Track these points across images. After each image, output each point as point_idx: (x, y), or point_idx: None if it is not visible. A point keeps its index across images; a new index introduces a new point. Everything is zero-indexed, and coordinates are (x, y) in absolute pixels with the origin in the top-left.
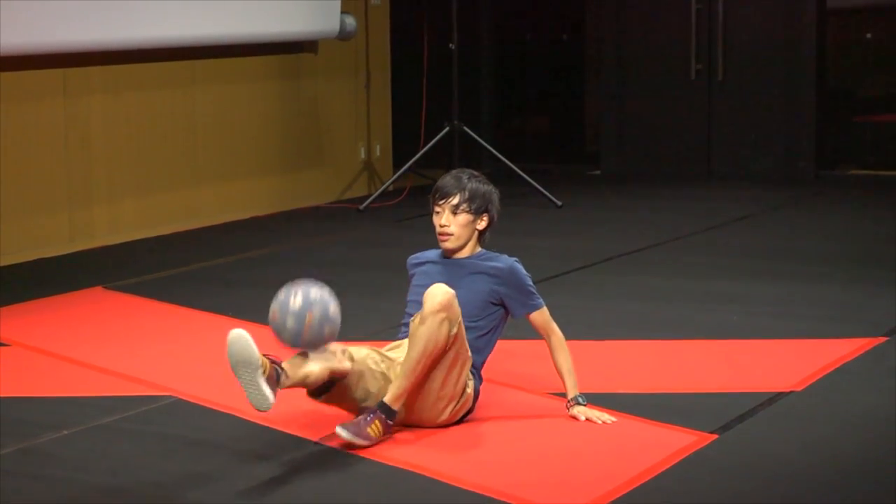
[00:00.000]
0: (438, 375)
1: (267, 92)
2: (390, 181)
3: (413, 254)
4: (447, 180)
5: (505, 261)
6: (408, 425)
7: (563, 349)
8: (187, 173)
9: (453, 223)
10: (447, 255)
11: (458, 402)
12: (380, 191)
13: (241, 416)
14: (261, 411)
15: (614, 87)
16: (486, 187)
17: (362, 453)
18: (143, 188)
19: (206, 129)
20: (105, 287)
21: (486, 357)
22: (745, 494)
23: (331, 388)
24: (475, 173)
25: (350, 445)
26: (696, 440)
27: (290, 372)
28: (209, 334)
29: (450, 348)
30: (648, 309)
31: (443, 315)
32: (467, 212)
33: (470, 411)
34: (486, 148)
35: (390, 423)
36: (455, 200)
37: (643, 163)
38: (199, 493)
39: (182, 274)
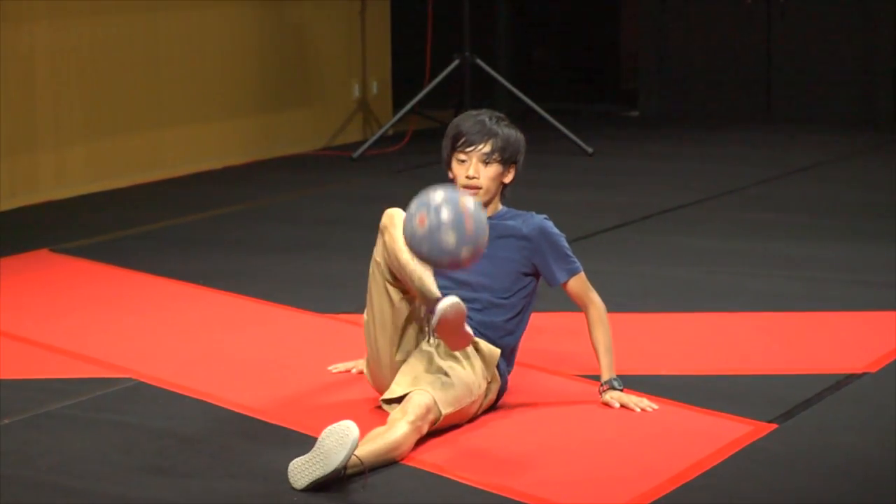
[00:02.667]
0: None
1: (243, 17)
2: (389, 124)
3: None
4: (471, 125)
5: (533, 220)
6: None
7: (602, 323)
8: (148, 115)
9: (483, 175)
10: None
11: (472, 416)
12: (377, 136)
13: (213, 402)
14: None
15: (655, 12)
16: (518, 134)
17: None
18: (96, 133)
19: (170, 61)
20: (51, 250)
21: (517, 340)
22: (808, 493)
23: None
24: (500, 115)
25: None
26: (752, 430)
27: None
28: (175, 306)
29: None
30: (695, 275)
31: (417, 434)
32: (498, 162)
33: (493, 406)
34: (502, 84)
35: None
36: (486, 148)
37: (689, 103)
38: (164, 492)
39: (142, 234)
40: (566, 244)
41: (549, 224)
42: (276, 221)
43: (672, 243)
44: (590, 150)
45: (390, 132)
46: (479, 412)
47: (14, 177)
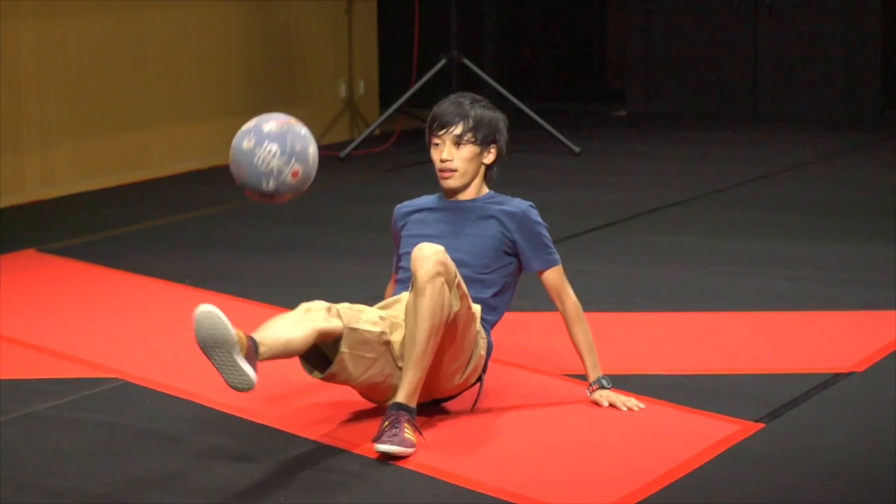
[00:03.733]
0: (447, 346)
1: (230, 17)
2: (376, 124)
3: (401, 203)
4: (446, 107)
5: (518, 204)
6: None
7: (580, 319)
8: (135, 115)
9: (456, 157)
10: (449, 196)
11: (468, 365)
12: (364, 135)
13: (200, 401)
14: (242, 392)
15: (642, 12)
16: (493, 113)
17: (348, 447)
18: (82, 132)
19: (157, 61)
20: (38, 249)
21: (496, 320)
22: (795, 492)
23: (329, 361)
24: (478, 97)
25: (393, 458)
26: (739, 429)
27: (266, 342)
28: (162, 305)
29: (455, 313)
30: (682, 275)
31: (441, 280)
32: (472, 143)
33: (480, 380)
34: (490, 84)
35: (413, 420)
36: (457, 130)
37: (676, 102)
38: (151, 493)
39: (129, 234)
40: (547, 234)
41: (534, 212)
42: (262, 221)
43: (659, 243)
44: (577, 149)
45: (377, 132)
46: (474, 378)
47: (0, 177)
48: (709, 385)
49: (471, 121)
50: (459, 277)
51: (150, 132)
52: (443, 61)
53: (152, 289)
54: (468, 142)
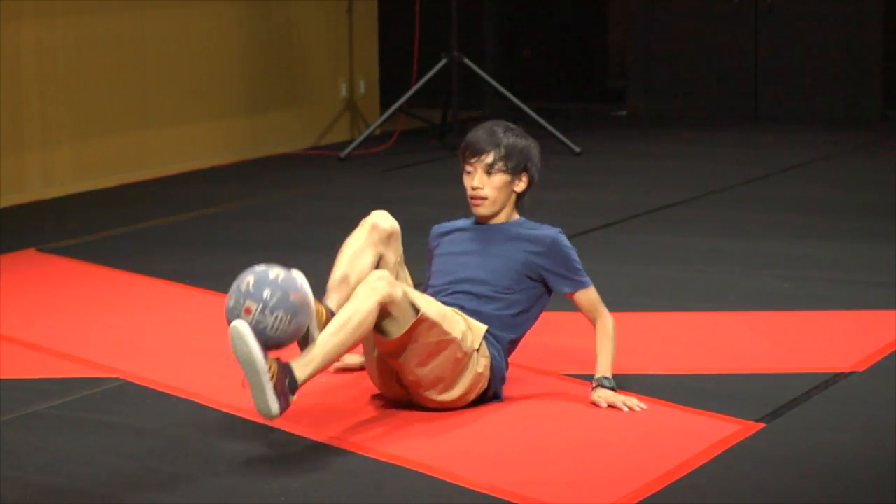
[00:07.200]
0: (423, 363)
1: (230, 17)
2: (377, 124)
3: (438, 224)
4: (479, 134)
5: (547, 230)
6: (421, 407)
7: (608, 336)
8: (135, 114)
9: (487, 185)
10: (480, 221)
11: (456, 383)
12: (364, 135)
13: (200, 401)
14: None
15: (642, 11)
16: (525, 141)
17: (349, 447)
18: (83, 132)
19: (157, 61)
20: (39, 249)
21: (518, 337)
22: (796, 492)
23: None
24: (512, 125)
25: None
26: (740, 429)
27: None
28: (162, 305)
29: (418, 338)
30: (683, 274)
31: (374, 299)
32: (503, 171)
33: (492, 394)
34: (490, 84)
35: (290, 395)
36: (489, 158)
37: (676, 102)
38: (152, 493)
39: (130, 234)
40: (576, 258)
41: (563, 237)
42: (263, 221)
43: (660, 242)
44: (577, 149)
45: (378, 132)
46: (476, 394)
47: (1, 177)
48: (709, 385)
49: (502, 149)
50: (412, 301)
51: (150, 132)
52: (443, 61)
53: (152, 289)
54: (499, 170)
